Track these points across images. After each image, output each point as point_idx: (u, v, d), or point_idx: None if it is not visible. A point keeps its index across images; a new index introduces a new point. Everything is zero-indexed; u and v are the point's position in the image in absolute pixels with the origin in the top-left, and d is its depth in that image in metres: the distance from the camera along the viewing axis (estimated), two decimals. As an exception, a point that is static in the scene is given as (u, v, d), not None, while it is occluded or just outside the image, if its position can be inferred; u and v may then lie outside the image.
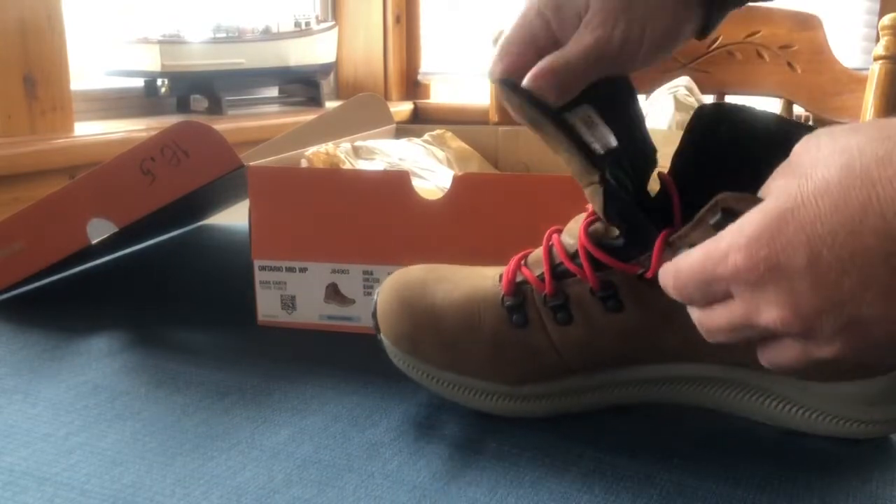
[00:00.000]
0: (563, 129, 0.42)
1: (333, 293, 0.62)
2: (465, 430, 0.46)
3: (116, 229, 0.63)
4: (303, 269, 0.62)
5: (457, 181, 0.59)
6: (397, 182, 0.60)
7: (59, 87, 1.22)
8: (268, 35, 1.60)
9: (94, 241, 0.64)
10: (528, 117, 0.43)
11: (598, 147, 0.42)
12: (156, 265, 0.85)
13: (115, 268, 0.82)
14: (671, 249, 0.40)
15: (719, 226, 0.36)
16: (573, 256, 0.45)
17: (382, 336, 0.49)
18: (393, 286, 0.50)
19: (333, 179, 0.61)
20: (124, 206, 0.62)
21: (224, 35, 1.54)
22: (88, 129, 1.29)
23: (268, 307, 0.64)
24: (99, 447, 0.45)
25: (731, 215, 0.35)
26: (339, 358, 0.57)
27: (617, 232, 0.44)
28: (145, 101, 1.54)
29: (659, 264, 0.40)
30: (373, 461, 0.43)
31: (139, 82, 1.51)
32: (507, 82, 0.43)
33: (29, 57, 1.17)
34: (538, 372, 0.46)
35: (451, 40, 2.05)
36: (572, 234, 0.46)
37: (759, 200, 0.34)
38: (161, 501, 0.39)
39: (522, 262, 0.47)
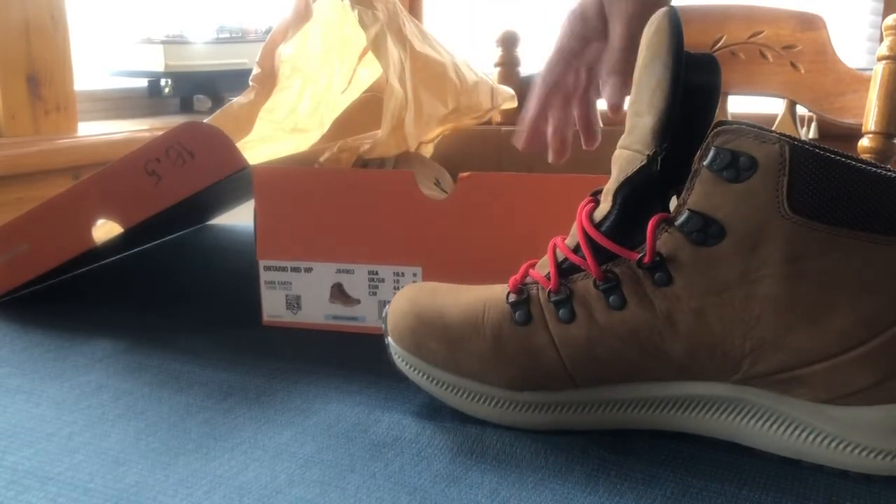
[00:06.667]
0: (676, 86, 0.42)
1: (338, 293, 0.62)
2: (467, 432, 0.46)
3: (122, 230, 0.63)
4: (308, 269, 0.63)
5: (462, 181, 0.59)
6: (402, 181, 0.60)
7: (63, 86, 1.22)
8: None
9: (99, 243, 0.64)
10: (661, 54, 0.42)
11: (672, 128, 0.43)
12: (160, 265, 0.85)
13: (119, 268, 0.82)
14: (667, 233, 0.41)
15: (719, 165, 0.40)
16: (576, 249, 0.45)
17: (388, 338, 0.50)
18: (406, 291, 0.51)
19: (338, 179, 0.61)
20: (130, 207, 0.62)
21: (227, 35, 1.54)
22: (92, 129, 1.29)
23: (273, 307, 0.64)
24: (102, 447, 0.45)
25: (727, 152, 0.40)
26: (343, 358, 0.57)
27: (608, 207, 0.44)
28: (149, 101, 1.54)
29: (653, 248, 0.41)
30: (375, 462, 0.43)
31: (143, 82, 1.52)
32: (674, 14, 0.43)
33: (33, 57, 1.17)
34: (538, 376, 0.45)
35: (452, 39, 2.05)
36: (574, 234, 0.46)
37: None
38: (164, 501, 0.39)
39: (531, 267, 0.48)
